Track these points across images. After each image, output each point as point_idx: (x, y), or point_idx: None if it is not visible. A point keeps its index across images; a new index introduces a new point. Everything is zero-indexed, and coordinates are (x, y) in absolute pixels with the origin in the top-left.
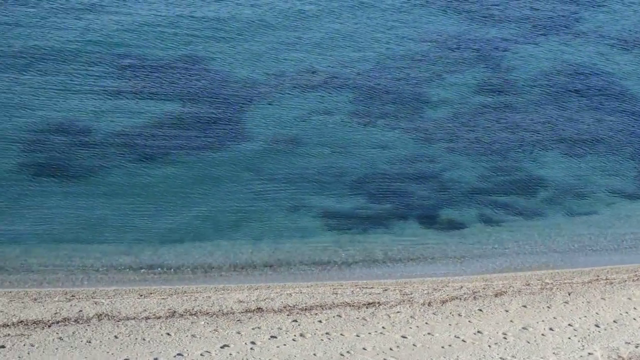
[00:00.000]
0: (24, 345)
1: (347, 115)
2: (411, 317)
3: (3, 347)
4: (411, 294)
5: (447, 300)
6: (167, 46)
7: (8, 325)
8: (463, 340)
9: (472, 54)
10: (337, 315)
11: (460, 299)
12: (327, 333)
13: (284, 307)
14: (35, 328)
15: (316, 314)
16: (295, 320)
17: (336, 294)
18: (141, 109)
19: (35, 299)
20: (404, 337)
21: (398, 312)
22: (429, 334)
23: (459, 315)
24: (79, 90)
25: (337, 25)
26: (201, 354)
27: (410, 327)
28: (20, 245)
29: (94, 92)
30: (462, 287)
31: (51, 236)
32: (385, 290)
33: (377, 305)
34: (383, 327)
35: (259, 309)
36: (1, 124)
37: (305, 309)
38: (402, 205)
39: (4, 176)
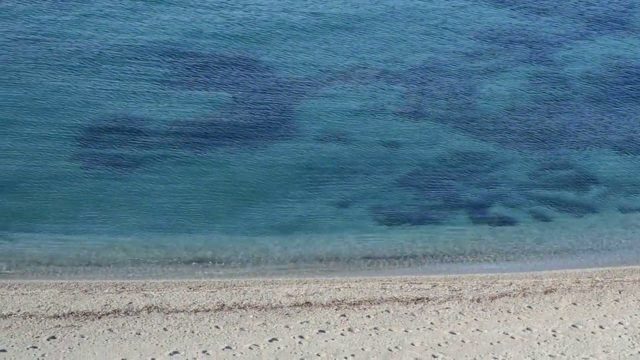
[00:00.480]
0: (74, 336)
1: (399, 110)
2: (460, 313)
3: (54, 337)
4: (460, 290)
5: (496, 297)
6: (222, 41)
7: (59, 317)
8: (512, 337)
9: (524, 49)
10: (386, 311)
11: (510, 295)
12: (375, 328)
13: (333, 302)
14: (85, 319)
15: (365, 308)
16: (344, 315)
17: (385, 289)
18: (194, 102)
19: (86, 291)
20: (452, 333)
21: (447, 308)
22: (477, 330)
23: (508, 312)
24: (134, 83)
25: (390, 20)
26: (249, 347)
27: (459, 323)
28: (71, 237)
29: (145, 86)
30: (511, 283)
31: (102, 228)
32: (434, 286)
33: (426, 300)
34: (431, 323)
35: (307, 303)
36: (58, 117)
37: (354, 304)
38: (452, 200)
39: (60, 168)
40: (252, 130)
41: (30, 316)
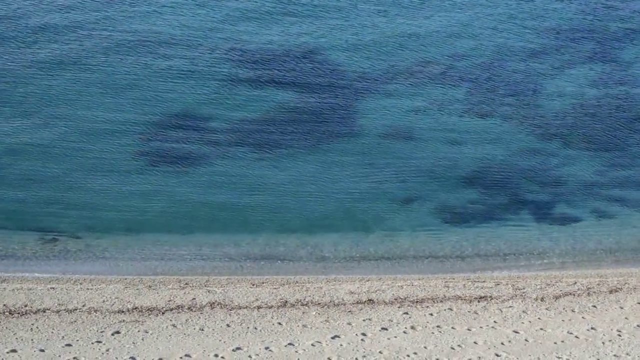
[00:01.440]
0: (138, 331)
1: (463, 107)
2: (523, 312)
3: (118, 332)
4: (524, 288)
5: (560, 296)
6: (285, 35)
7: (123, 312)
8: (576, 337)
9: (593, 45)
10: (449, 309)
11: (574, 294)
12: (438, 326)
13: (395, 299)
14: (149, 315)
15: (427, 306)
16: (406, 313)
17: (448, 287)
18: (258, 98)
19: (150, 286)
20: (515, 332)
21: (510, 306)
22: (541, 329)
23: (572, 311)
24: (201, 80)
25: (456, 15)
26: (312, 344)
27: (523, 322)
28: (135, 233)
29: (212, 81)
30: (575, 282)
31: (166, 224)
32: (498, 284)
33: (489, 299)
34: (495, 322)
35: (370, 300)
36: (121, 113)
37: (417, 302)
38: (516, 199)
39: (128, 163)
40: (315, 128)
41: (95, 311)
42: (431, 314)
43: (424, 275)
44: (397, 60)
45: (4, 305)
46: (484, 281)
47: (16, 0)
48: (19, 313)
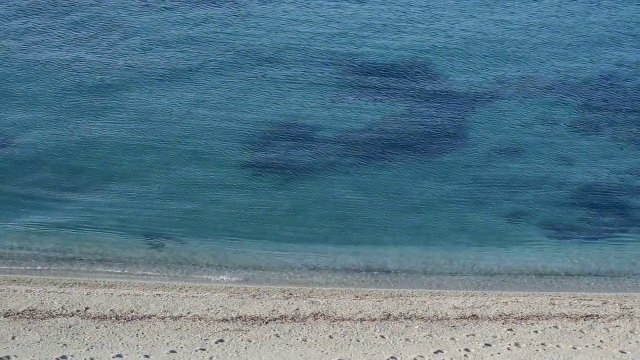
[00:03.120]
0: (242, 340)
1: (573, 124)
2: (631, 332)
3: (222, 341)
4: (632, 308)
5: None
6: (393, 49)
7: (227, 320)
8: None
9: None
10: (554, 327)
11: None
12: (542, 344)
13: (500, 316)
14: (253, 324)
15: (532, 324)
16: (511, 330)
17: (553, 304)
18: (366, 109)
19: (254, 296)
20: (622, 352)
21: (617, 326)
22: None
23: None
24: (305, 90)
25: (570, 25)
26: (415, 359)
27: (630, 343)
28: (240, 242)
29: (319, 92)
30: None
31: (270, 234)
32: (605, 303)
33: (596, 318)
34: (601, 341)
35: (474, 316)
36: (232, 122)
37: (521, 319)
38: (625, 217)
39: (230, 172)
40: (421, 140)
41: (200, 319)
42: (536, 332)
43: (530, 292)
44: (507, 73)
45: (112, 310)
46: (590, 300)
47: (142, 15)
48: (125, 319)
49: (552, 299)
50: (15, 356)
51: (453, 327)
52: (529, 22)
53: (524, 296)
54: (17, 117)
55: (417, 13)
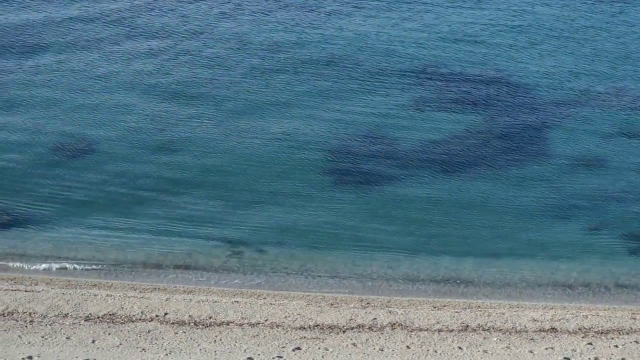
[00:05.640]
0: (319, 348)
1: None
2: None
3: (299, 348)
4: None
5: None
6: (471, 59)
7: (304, 328)
8: None
9: None
10: (635, 341)
11: None
12: (623, 359)
13: (579, 329)
14: (330, 332)
15: (612, 338)
16: (590, 343)
17: (635, 319)
18: (445, 119)
19: (332, 304)
20: None
21: None
22: None
23: None
24: (385, 99)
25: None
26: None
27: None
28: (318, 251)
29: (397, 103)
30: None
31: (348, 243)
32: None
33: None
34: None
35: (553, 329)
36: (311, 129)
37: (601, 333)
38: None
39: (309, 181)
40: (502, 151)
41: (277, 326)
42: (616, 346)
43: (610, 305)
44: (586, 84)
45: (190, 316)
46: None
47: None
48: (203, 324)
49: (633, 313)
50: (95, 359)
51: (531, 339)
52: (608, 34)
53: (605, 309)
54: (105, 124)
55: (500, 26)
